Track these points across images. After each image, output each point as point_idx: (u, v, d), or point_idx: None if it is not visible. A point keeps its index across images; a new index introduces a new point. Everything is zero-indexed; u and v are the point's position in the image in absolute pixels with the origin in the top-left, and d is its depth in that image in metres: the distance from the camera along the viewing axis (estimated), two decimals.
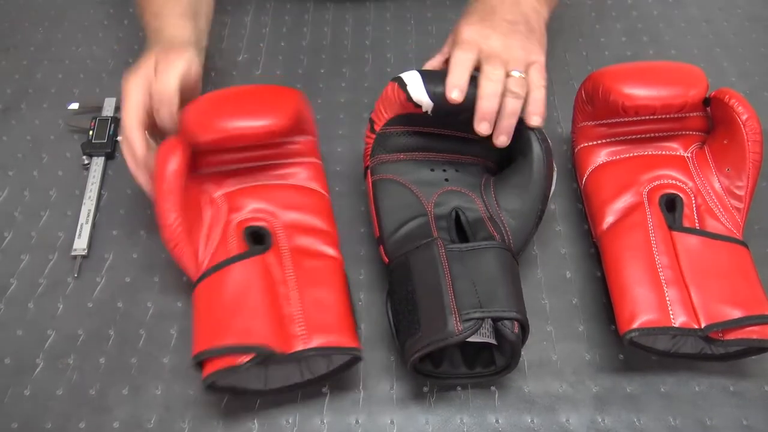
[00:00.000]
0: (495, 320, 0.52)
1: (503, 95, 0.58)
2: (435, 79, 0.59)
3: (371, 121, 0.64)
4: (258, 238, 0.60)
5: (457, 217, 0.60)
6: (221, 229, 0.60)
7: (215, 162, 0.63)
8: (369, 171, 0.64)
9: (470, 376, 0.57)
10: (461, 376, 0.57)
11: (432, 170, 0.63)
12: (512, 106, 0.59)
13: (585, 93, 0.66)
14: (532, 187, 0.59)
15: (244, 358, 0.51)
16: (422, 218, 0.60)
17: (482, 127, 0.59)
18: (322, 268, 0.58)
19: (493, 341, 0.54)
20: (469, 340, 0.53)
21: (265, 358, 0.51)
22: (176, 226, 0.56)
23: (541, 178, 0.59)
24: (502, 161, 0.65)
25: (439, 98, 0.59)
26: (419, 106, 0.60)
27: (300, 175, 0.64)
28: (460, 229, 0.60)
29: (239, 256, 0.57)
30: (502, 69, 0.59)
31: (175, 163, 0.56)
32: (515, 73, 0.59)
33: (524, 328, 0.54)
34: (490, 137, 0.62)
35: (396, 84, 0.60)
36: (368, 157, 0.64)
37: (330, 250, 0.60)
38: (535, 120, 0.60)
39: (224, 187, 0.63)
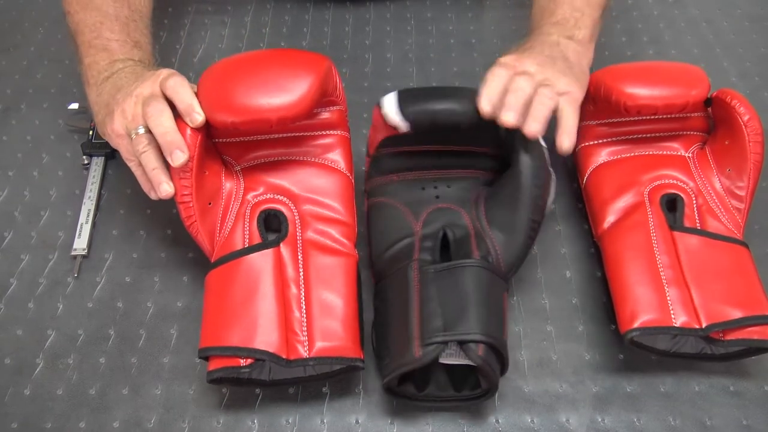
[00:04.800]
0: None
1: (533, 93, 0.58)
2: (409, 99, 0.58)
3: (367, 146, 0.64)
4: (273, 224, 0.60)
5: (445, 234, 0.60)
6: (237, 209, 0.59)
7: (239, 132, 0.60)
8: (366, 195, 0.64)
9: (450, 399, 0.56)
10: (439, 399, 0.56)
11: (423, 189, 0.63)
12: (544, 94, 0.58)
13: (586, 92, 0.66)
14: (522, 197, 0.57)
15: (247, 361, 0.52)
16: (409, 239, 0.59)
17: (508, 116, 0.56)
18: (335, 266, 0.58)
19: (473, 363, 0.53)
20: (447, 362, 0.53)
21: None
22: (190, 205, 0.56)
23: (530, 188, 0.57)
24: (502, 172, 0.63)
25: (412, 118, 0.58)
26: (397, 128, 0.59)
27: (326, 150, 0.61)
28: (449, 247, 0.59)
29: (253, 248, 0.57)
30: (532, 82, 0.59)
31: (191, 140, 0.55)
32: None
33: (498, 351, 0.52)
34: (484, 147, 0.62)
35: (377, 107, 0.60)
36: (366, 181, 0.64)
37: (346, 243, 0.59)
38: (566, 142, 0.58)
39: (246, 159, 0.61)
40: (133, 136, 0.57)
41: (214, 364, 0.53)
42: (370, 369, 0.60)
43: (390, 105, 0.58)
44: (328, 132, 0.62)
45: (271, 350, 0.52)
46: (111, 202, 0.72)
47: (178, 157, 0.54)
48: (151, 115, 0.55)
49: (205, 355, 0.53)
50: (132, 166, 0.59)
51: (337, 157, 0.62)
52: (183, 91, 0.56)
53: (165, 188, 0.56)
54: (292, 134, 0.61)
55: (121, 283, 0.65)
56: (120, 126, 0.58)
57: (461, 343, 0.51)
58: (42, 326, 0.63)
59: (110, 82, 0.62)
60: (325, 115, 0.61)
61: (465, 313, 0.52)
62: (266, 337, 0.53)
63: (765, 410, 0.58)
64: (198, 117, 0.55)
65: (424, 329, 0.52)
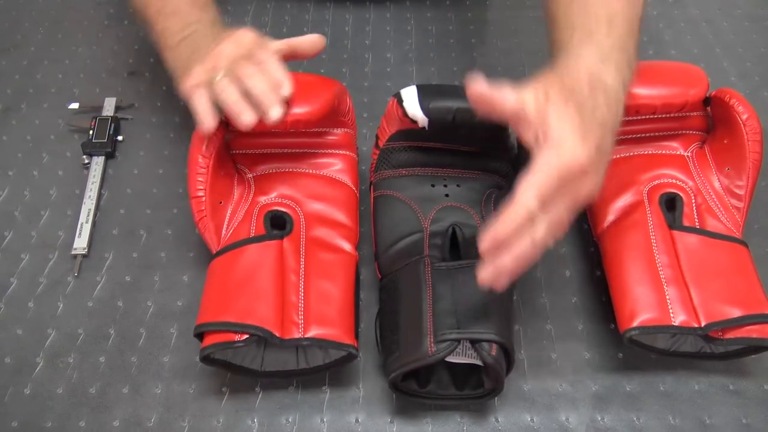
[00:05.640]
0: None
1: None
2: (430, 94, 0.59)
3: (377, 137, 0.65)
4: (279, 224, 0.61)
5: (454, 233, 0.60)
6: (245, 210, 0.62)
7: (255, 144, 0.65)
8: (372, 186, 0.64)
9: (452, 397, 0.56)
10: (441, 397, 0.56)
11: (433, 186, 0.63)
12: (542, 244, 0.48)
13: None
14: None
15: (241, 337, 0.52)
16: (417, 235, 0.59)
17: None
18: (335, 261, 0.59)
19: (479, 362, 0.53)
20: (453, 360, 0.53)
21: (259, 339, 0.53)
22: (203, 200, 0.59)
23: None
24: (510, 176, 0.64)
25: (433, 114, 0.58)
26: (416, 122, 0.59)
27: (333, 166, 0.65)
28: (458, 246, 0.59)
29: (257, 238, 0.59)
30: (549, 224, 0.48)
31: (209, 141, 0.60)
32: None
33: (507, 351, 0.53)
34: (496, 149, 0.62)
35: (395, 99, 0.60)
36: (372, 173, 0.65)
37: (346, 245, 0.61)
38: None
39: (258, 169, 0.65)
40: (215, 81, 0.59)
41: (208, 341, 0.53)
42: (370, 368, 0.60)
43: (411, 98, 0.59)
44: (336, 151, 0.65)
45: (265, 327, 0.53)
46: (111, 201, 0.72)
47: (286, 88, 0.58)
48: (250, 74, 0.58)
49: (201, 331, 0.54)
50: (194, 98, 0.59)
51: (343, 174, 0.65)
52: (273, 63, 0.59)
53: (249, 116, 0.57)
54: (305, 150, 0.65)
55: (121, 283, 0.66)
56: (200, 76, 0.60)
57: (473, 342, 0.52)
58: (42, 325, 0.63)
59: (185, 43, 0.65)
60: (335, 136, 0.65)
61: (479, 312, 0.53)
62: (262, 315, 0.54)
63: (764, 409, 0.58)
64: (288, 88, 0.58)
65: (437, 326, 0.52)
